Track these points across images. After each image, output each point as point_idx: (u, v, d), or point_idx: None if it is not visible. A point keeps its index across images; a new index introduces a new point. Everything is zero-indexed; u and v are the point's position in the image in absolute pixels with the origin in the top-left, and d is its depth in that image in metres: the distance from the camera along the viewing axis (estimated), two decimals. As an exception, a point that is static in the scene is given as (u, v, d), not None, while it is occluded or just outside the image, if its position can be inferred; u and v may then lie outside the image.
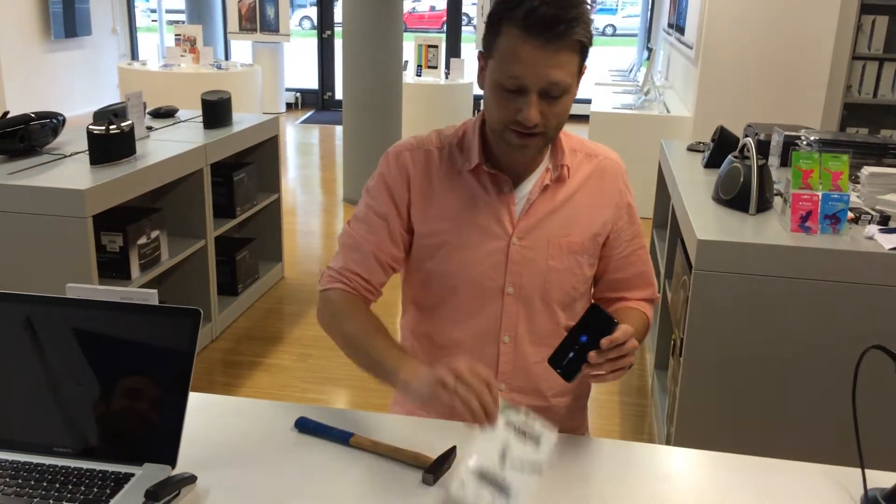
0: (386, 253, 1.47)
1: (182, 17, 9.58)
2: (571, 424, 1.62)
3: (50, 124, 3.15)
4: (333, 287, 1.47)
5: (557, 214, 1.46)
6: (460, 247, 1.44)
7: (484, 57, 1.37)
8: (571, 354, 1.23)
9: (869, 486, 1.22)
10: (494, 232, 1.44)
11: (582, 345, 1.23)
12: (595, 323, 1.23)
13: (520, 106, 1.30)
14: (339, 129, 8.73)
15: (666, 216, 3.40)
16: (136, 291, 1.29)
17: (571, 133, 1.52)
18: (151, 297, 1.28)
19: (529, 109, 1.29)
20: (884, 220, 2.36)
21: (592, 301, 1.59)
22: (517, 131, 1.33)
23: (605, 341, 1.21)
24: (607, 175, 1.51)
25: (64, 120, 3.26)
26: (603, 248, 1.52)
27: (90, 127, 2.97)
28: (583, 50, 1.32)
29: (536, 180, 1.45)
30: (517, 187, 1.45)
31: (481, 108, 1.43)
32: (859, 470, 1.24)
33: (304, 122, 9.54)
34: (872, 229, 2.28)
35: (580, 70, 1.35)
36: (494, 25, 1.32)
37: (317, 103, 10.34)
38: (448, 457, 1.28)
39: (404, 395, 1.32)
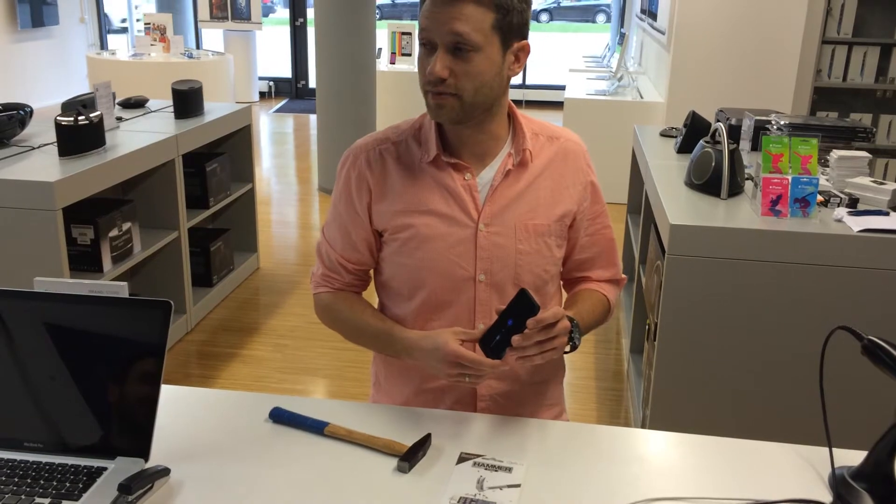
0: (352, 261, 1.54)
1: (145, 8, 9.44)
2: (551, 410, 1.63)
3: (17, 116, 3.10)
4: (320, 291, 1.59)
5: (522, 198, 1.47)
6: (428, 238, 1.45)
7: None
8: (498, 337, 1.30)
9: (837, 465, 1.24)
10: (460, 220, 1.45)
11: (508, 327, 1.29)
12: (521, 307, 1.29)
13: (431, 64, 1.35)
14: (313, 117, 8.67)
15: (639, 201, 3.42)
16: (106, 284, 1.28)
17: (532, 117, 1.54)
18: (121, 289, 1.27)
19: (434, 63, 1.33)
20: (852, 203, 2.39)
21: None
22: (431, 91, 1.37)
23: (531, 321, 1.27)
24: (570, 157, 1.53)
25: (31, 111, 3.21)
26: (569, 229, 1.54)
27: (58, 118, 2.93)
28: (498, 9, 1.33)
29: (499, 166, 1.46)
30: (479, 174, 1.46)
31: None
32: (827, 449, 1.27)
33: (278, 110, 9.46)
34: (841, 212, 2.31)
35: (502, 33, 1.35)
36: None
37: (291, 92, 10.26)
38: (423, 445, 1.28)
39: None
